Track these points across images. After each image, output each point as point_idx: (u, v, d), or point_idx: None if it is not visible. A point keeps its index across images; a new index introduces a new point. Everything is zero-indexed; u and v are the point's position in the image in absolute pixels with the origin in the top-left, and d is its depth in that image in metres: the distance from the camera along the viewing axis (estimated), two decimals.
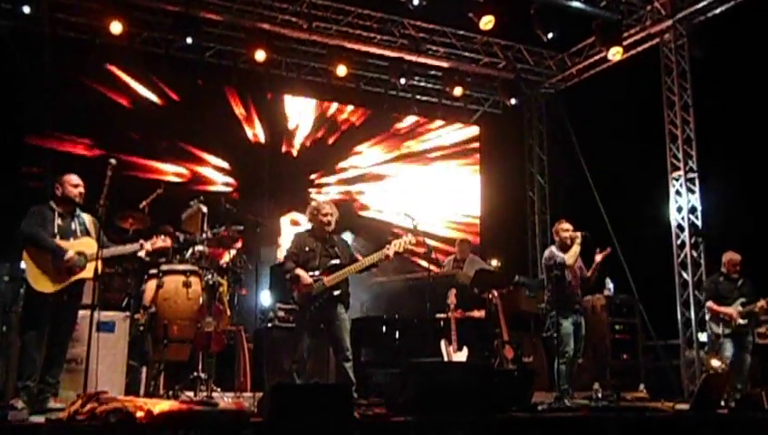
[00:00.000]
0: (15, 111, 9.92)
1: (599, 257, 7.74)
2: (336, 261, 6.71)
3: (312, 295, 6.60)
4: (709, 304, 8.47)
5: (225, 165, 11.63)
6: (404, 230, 7.84)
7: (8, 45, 9.91)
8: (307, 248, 6.77)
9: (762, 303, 8.13)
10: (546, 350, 9.38)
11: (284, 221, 11.76)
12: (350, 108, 12.97)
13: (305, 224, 7.18)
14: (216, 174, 11.57)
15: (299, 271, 6.63)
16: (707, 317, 8.61)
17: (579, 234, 7.72)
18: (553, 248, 7.86)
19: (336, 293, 6.64)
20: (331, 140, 12.71)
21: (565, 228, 7.83)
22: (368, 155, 12.99)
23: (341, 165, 12.71)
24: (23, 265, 5.86)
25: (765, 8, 9.35)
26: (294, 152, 12.34)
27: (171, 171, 11.23)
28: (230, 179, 11.64)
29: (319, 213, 6.82)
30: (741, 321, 8.18)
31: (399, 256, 7.03)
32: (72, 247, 5.86)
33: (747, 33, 9.71)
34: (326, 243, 6.82)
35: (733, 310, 8.22)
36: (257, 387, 7.39)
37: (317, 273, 6.65)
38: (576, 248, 7.68)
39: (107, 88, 10.95)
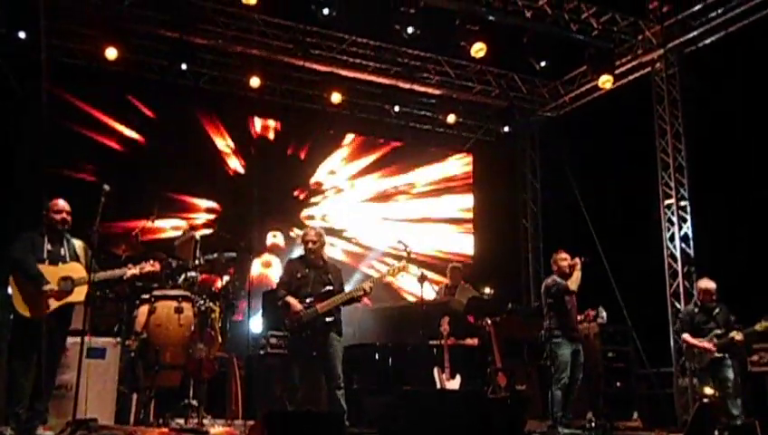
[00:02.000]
0: (12, 138, 9.92)
1: None
2: (329, 288, 6.69)
3: (303, 322, 6.57)
4: (685, 336, 8.18)
5: (215, 205, 11.64)
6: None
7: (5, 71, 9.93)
8: (299, 275, 6.76)
9: (739, 336, 7.77)
10: (543, 377, 9.36)
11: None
12: None
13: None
14: (205, 215, 11.59)
15: (289, 298, 6.62)
16: (684, 349, 8.45)
17: (578, 260, 7.75)
18: (554, 277, 7.88)
19: (328, 320, 6.62)
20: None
21: (563, 257, 7.86)
22: (343, 172, 13.03)
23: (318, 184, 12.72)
24: (9, 290, 5.83)
25: (755, 38, 9.46)
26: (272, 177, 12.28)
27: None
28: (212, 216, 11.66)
29: (313, 241, 6.83)
30: (717, 354, 7.87)
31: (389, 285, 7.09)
32: (59, 272, 5.86)
33: (738, 63, 9.80)
34: (319, 269, 6.82)
35: (709, 344, 7.90)
36: (249, 414, 7.33)
37: (309, 300, 6.63)
38: (577, 274, 7.69)
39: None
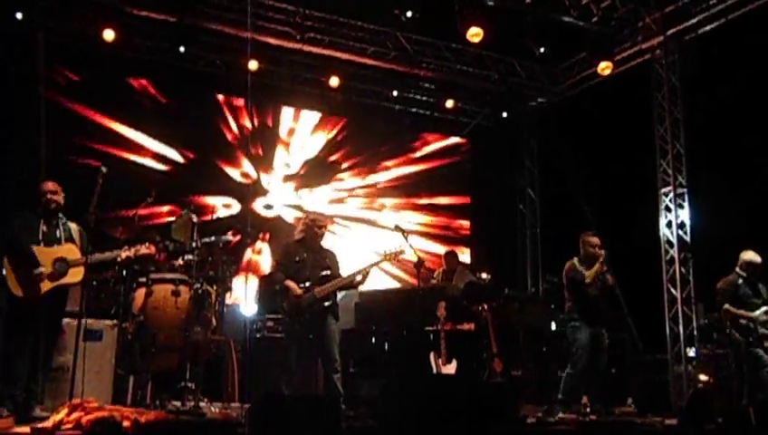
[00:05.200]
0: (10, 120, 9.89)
1: None
2: (326, 272, 6.71)
3: (301, 306, 6.60)
4: (727, 306, 7.62)
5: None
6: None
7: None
8: (297, 259, 6.77)
9: None
10: (539, 363, 9.43)
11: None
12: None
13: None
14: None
15: (288, 282, 6.64)
16: (728, 323, 7.78)
17: (603, 253, 7.58)
18: (576, 262, 7.75)
19: (326, 304, 6.65)
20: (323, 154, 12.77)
21: (593, 242, 7.69)
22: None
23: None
24: (3, 271, 5.83)
25: (755, 26, 9.44)
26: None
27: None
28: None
29: (314, 225, 6.87)
30: (762, 330, 7.50)
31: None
32: (54, 253, 5.86)
33: (738, 50, 9.78)
34: (317, 254, 6.83)
35: (755, 314, 7.51)
36: (245, 397, 7.35)
37: (307, 284, 6.65)
38: (597, 268, 7.54)
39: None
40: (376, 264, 6.93)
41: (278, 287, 6.72)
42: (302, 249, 6.84)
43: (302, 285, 6.64)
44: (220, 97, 11.97)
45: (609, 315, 7.90)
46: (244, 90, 11.54)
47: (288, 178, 12.40)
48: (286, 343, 6.81)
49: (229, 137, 11.96)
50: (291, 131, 12.55)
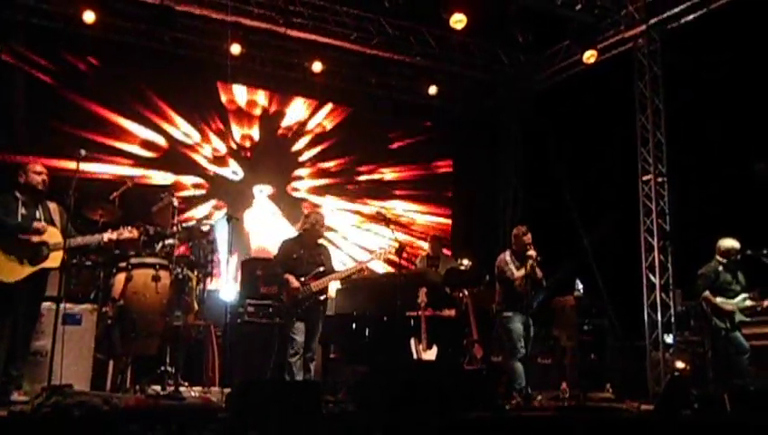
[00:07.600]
0: None
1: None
2: (321, 268, 7.14)
3: (299, 299, 6.98)
4: (706, 294, 7.81)
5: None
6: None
7: None
8: (294, 256, 7.18)
9: None
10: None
11: None
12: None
13: None
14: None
15: (288, 276, 7.03)
16: (707, 310, 7.91)
17: (533, 254, 7.57)
18: (507, 256, 7.84)
19: (321, 298, 7.13)
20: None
21: (524, 241, 7.69)
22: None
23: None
24: None
25: (737, 15, 9.49)
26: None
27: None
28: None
29: (317, 224, 7.30)
30: (740, 317, 7.73)
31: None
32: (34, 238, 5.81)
33: (720, 40, 9.83)
34: (313, 250, 7.26)
35: (732, 306, 7.70)
36: (225, 382, 7.37)
37: (304, 279, 7.05)
38: (527, 271, 7.57)
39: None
40: (368, 261, 7.49)
41: (279, 280, 7.12)
42: (299, 246, 7.24)
43: (300, 280, 7.02)
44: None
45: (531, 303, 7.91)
46: (223, 73, 11.49)
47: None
48: (288, 334, 7.03)
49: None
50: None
